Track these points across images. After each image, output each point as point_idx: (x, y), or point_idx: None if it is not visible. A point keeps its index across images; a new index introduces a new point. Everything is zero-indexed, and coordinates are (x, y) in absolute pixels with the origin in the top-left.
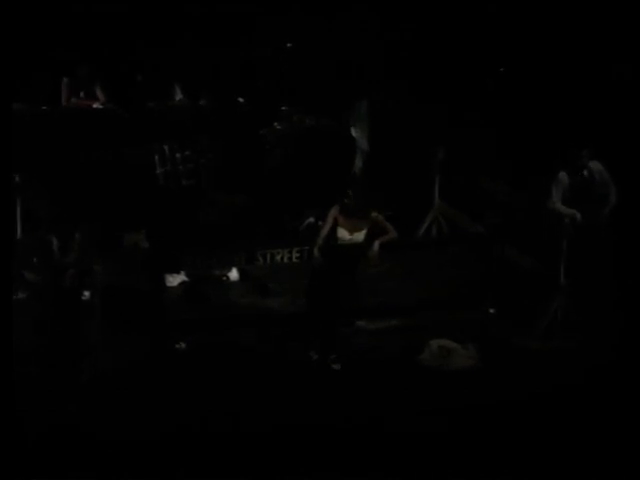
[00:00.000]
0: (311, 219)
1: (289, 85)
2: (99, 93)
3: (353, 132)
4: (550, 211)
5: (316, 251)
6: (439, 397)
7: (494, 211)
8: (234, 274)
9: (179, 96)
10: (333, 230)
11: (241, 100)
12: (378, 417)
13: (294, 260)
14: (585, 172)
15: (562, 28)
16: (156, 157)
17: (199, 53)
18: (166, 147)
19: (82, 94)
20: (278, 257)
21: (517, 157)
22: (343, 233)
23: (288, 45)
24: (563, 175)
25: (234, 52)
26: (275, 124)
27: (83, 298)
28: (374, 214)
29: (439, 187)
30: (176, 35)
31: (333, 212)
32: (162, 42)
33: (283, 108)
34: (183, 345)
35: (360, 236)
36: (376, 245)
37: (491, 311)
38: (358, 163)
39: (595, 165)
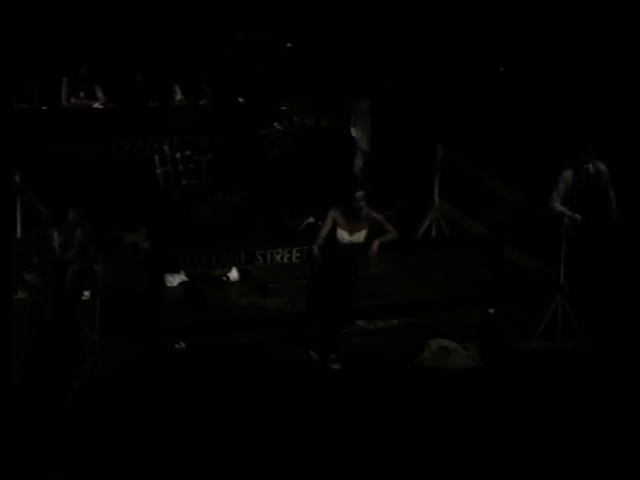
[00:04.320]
0: (311, 219)
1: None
2: (99, 93)
3: (353, 132)
4: (550, 211)
5: (316, 251)
6: (439, 397)
7: (496, 210)
8: (234, 274)
9: (179, 96)
10: (332, 231)
11: (241, 100)
12: (378, 417)
13: (294, 260)
14: (590, 167)
15: (563, 27)
16: (156, 157)
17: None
18: (166, 147)
19: (82, 94)
20: (278, 257)
21: (517, 156)
22: (343, 234)
23: (288, 45)
24: (568, 173)
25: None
26: (275, 124)
27: (83, 298)
28: (374, 214)
29: (439, 187)
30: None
31: (332, 213)
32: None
33: (283, 108)
34: (183, 345)
35: (360, 237)
36: (376, 245)
37: (491, 311)
38: (358, 163)
39: (599, 165)
